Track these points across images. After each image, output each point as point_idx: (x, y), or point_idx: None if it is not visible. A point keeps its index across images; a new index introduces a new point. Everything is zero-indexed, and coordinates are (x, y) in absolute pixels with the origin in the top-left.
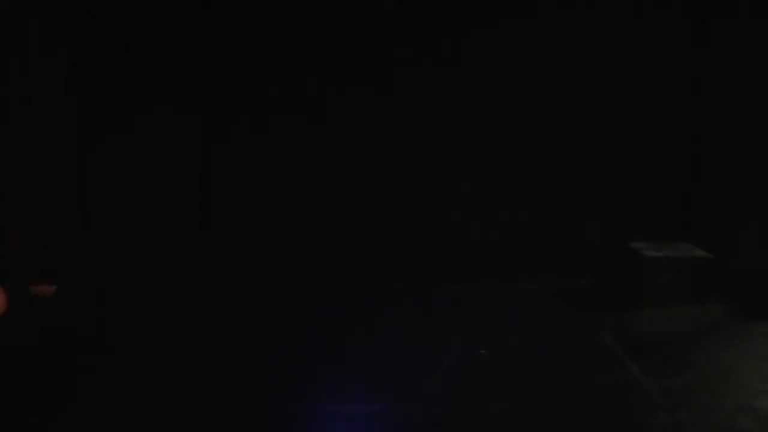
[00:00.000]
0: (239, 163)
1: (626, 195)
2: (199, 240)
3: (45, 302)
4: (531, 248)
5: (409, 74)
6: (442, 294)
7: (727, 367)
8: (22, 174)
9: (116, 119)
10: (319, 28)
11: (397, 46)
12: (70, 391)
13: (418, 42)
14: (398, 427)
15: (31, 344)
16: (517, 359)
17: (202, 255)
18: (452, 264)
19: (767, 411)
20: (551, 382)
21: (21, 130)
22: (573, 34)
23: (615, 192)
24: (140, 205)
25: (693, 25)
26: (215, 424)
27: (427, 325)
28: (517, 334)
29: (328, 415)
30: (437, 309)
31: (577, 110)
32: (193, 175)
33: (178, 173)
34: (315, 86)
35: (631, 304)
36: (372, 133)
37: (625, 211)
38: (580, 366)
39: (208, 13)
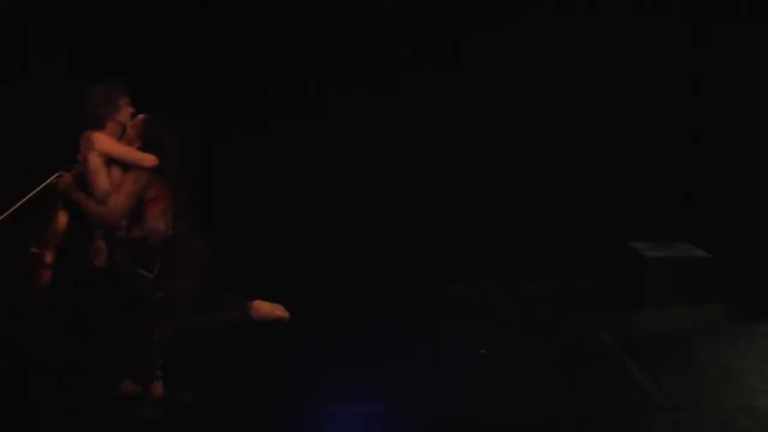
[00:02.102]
0: (239, 163)
1: (626, 195)
2: None
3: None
4: (531, 248)
5: (409, 74)
6: (442, 294)
7: (727, 367)
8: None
9: None
10: (319, 28)
11: (397, 46)
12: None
13: (418, 42)
14: (398, 427)
15: None
16: (517, 359)
17: None
18: (452, 264)
19: (767, 411)
20: (551, 382)
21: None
22: (573, 34)
23: (615, 192)
24: None
25: (693, 25)
26: (215, 423)
27: (427, 325)
28: (517, 334)
29: (328, 415)
30: (437, 309)
31: (577, 110)
32: (192, 175)
33: None
34: (315, 86)
35: (631, 304)
36: (372, 133)
37: (625, 211)
38: (580, 366)
39: (208, 13)
